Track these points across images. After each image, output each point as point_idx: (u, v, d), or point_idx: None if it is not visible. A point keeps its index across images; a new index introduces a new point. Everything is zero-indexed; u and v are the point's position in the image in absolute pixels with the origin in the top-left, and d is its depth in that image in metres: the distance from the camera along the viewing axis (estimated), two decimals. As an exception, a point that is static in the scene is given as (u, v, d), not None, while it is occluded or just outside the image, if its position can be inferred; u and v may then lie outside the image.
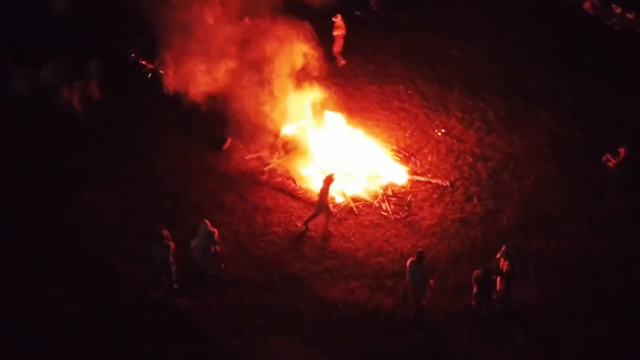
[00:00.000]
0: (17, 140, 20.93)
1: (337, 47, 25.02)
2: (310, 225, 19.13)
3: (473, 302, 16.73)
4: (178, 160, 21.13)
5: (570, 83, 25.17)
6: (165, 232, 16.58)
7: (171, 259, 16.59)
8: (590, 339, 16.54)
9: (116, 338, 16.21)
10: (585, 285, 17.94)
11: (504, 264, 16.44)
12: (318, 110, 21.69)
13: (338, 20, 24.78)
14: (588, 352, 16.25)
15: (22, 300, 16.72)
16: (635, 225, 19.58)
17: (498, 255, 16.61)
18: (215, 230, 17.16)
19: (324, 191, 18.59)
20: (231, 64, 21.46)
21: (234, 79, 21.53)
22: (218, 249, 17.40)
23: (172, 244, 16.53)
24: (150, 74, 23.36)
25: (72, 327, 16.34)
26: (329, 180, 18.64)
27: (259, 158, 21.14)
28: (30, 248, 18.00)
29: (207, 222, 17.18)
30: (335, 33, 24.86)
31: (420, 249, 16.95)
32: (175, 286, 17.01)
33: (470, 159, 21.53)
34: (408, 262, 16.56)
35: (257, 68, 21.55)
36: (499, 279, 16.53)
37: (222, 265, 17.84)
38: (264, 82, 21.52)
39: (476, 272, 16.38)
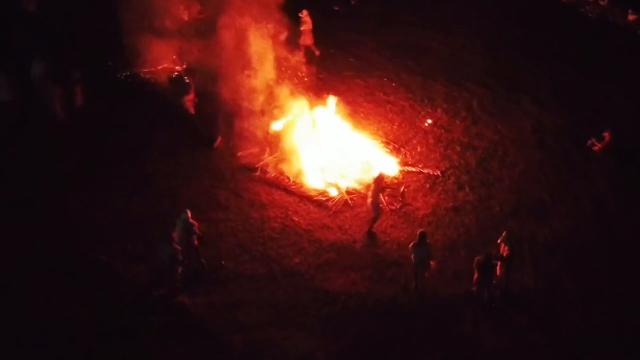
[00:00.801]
0: (4, 145, 20.60)
1: (307, 40, 25.13)
2: (307, 219, 19.22)
3: (474, 288, 16.96)
4: (168, 160, 21.01)
5: (548, 71, 25.72)
6: (174, 235, 16.59)
7: (177, 260, 16.63)
8: (589, 319, 16.86)
9: (119, 338, 16.09)
10: (579, 266, 18.27)
11: (504, 249, 16.70)
12: (306, 105, 21.72)
13: (304, 15, 24.88)
14: (588, 331, 16.55)
15: (23, 303, 16.51)
16: (623, 206, 20.02)
17: (499, 241, 16.86)
18: (195, 223, 17.28)
19: (376, 191, 18.58)
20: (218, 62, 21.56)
21: (220, 76, 21.58)
22: (196, 242, 17.45)
23: (178, 247, 16.55)
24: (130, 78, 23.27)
25: (74, 329, 16.16)
26: (379, 180, 18.72)
27: (251, 155, 21.13)
28: (27, 251, 17.75)
29: (188, 212, 17.26)
30: (302, 28, 24.97)
31: (421, 230, 17.20)
32: (178, 285, 16.98)
33: (458, 148, 21.82)
34: (411, 245, 16.91)
35: (243, 65, 21.63)
36: (499, 264, 16.76)
37: (223, 262, 17.85)
38: (250, 80, 21.58)
39: (477, 258, 16.62)
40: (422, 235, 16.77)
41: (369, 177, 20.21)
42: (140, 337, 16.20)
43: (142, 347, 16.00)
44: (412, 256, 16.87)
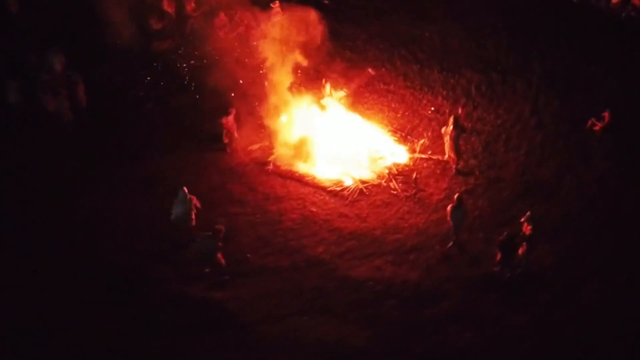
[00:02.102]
0: (11, 147, 20.39)
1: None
2: (325, 209, 19.50)
3: (496, 268, 17.38)
4: (177, 157, 21.14)
5: (538, 55, 26.10)
6: (219, 228, 16.94)
7: (219, 254, 16.92)
8: (608, 291, 17.32)
9: (152, 337, 16.14)
10: (591, 242, 18.73)
11: (527, 229, 17.13)
12: (313, 96, 21.98)
13: (276, 6, 24.96)
14: (608, 304, 17.00)
15: (53, 311, 16.40)
16: (625, 182, 20.55)
17: (522, 220, 17.28)
18: (194, 197, 17.78)
19: (454, 134, 20.36)
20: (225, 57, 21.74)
21: (226, 72, 21.72)
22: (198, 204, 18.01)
23: (220, 243, 16.87)
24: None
25: (106, 330, 16.14)
26: (456, 122, 20.19)
27: (261, 149, 21.29)
28: (44, 255, 17.64)
29: (185, 189, 17.70)
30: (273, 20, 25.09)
31: (458, 194, 18.14)
32: (226, 277, 17.31)
33: (463, 134, 22.15)
34: (449, 208, 17.89)
35: (249, 59, 21.81)
36: (522, 243, 17.20)
37: (248, 255, 17.98)
38: (258, 74, 21.78)
39: (500, 238, 17.02)
40: (460, 199, 17.68)
41: (381, 165, 20.54)
42: (173, 334, 16.22)
43: (175, 344, 16.02)
44: (450, 219, 17.73)
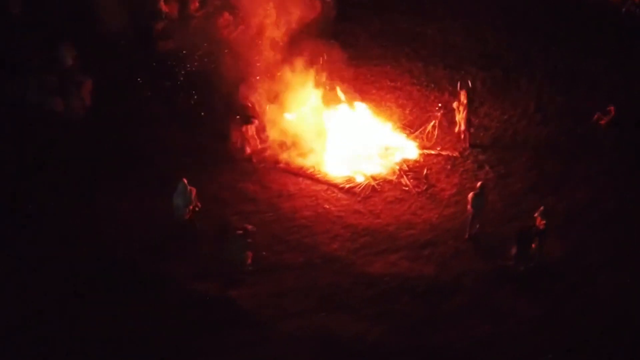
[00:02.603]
0: (24, 146, 20.44)
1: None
2: (337, 206, 19.64)
3: (511, 261, 17.56)
4: (186, 156, 21.15)
5: (539, 51, 26.36)
6: (249, 227, 17.11)
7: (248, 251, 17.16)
8: (620, 282, 17.52)
9: (168, 335, 16.20)
10: (601, 233, 18.92)
11: (540, 223, 17.32)
12: (321, 94, 22.10)
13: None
14: (621, 293, 17.19)
15: (68, 310, 16.46)
16: (632, 175, 20.79)
17: (536, 214, 17.47)
18: (194, 189, 17.90)
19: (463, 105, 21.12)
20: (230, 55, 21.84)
21: (232, 70, 21.82)
22: (198, 204, 18.27)
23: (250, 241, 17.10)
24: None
25: (123, 330, 16.20)
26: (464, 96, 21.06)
27: (271, 146, 21.36)
28: (58, 255, 17.73)
29: (185, 180, 17.92)
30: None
31: (482, 182, 18.66)
32: (250, 268, 17.51)
33: (471, 129, 22.37)
34: (470, 195, 18.22)
35: (255, 57, 21.96)
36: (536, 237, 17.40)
37: (264, 253, 18.07)
38: (264, 72, 21.90)
39: (516, 232, 17.22)
40: (483, 187, 18.11)
41: (392, 162, 20.71)
42: (190, 332, 16.30)
43: (193, 341, 16.11)
44: (470, 205, 18.07)
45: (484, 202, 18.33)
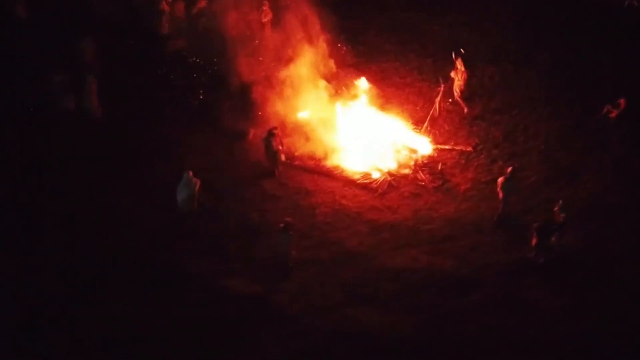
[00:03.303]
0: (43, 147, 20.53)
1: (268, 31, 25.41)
2: (355, 202, 19.81)
3: (532, 253, 17.80)
4: (204, 155, 21.28)
5: (545, 45, 26.57)
6: (290, 220, 17.34)
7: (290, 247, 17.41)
8: (638, 272, 17.82)
9: (196, 332, 16.28)
10: (616, 224, 19.15)
11: (559, 216, 17.58)
12: (333, 91, 22.29)
13: (266, 7, 24.98)
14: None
15: (97, 309, 16.54)
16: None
17: (556, 209, 17.72)
18: (198, 181, 18.33)
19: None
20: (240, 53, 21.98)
21: (244, 69, 21.96)
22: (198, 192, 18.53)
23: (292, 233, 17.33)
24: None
25: (151, 328, 16.30)
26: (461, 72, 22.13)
27: (286, 144, 21.49)
28: (83, 256, 17.82)
29: (190, 172, 18.34)
30: (264, 20, 25.18)
31: (512, 167, 19.14)
32: (291, 265, 17.71)
33: (483, 124, 22.72)
34: (501, 179, 18.75)
35: (272, 57, 22.09)
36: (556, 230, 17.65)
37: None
38: (279, 71, 22.07)
39: (536, 224, 17.46)
40: (513, 171, 18.68)
41: (406, 157, 20.92)
42: (218, 329, 16.43)
43: (221, 338, 16.23)
44: (500, 189, 18.49)
45: (514, 186, 18.67)
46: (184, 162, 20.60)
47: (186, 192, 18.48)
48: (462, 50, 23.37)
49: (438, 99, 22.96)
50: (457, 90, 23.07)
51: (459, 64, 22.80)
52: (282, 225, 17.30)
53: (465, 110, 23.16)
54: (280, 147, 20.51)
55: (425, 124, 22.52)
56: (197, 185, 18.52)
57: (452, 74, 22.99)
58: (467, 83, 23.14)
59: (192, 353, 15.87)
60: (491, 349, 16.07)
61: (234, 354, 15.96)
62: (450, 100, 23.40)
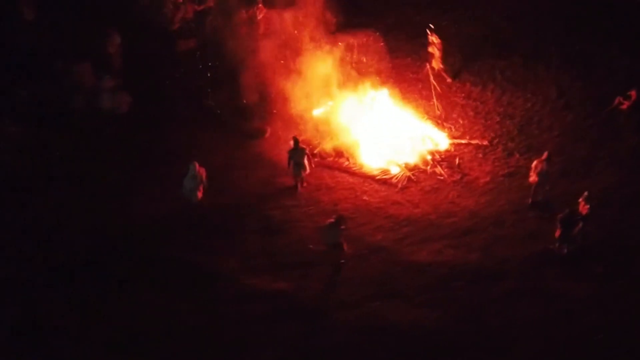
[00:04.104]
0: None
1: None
2: (376, 197, 19.93)
3: (552, 245, 17.96)
4: (221, 154, 21.41)
5: (554, 38, 26.73)
6: (341, 213, 17.65)
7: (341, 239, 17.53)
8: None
9: (225, 330, 16.38)
10: (634, 214, 19.34)
11: (584, 208, 17.74)
12: (349, 87, 22.40)
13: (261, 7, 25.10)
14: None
15: (125, 308, 16.58)
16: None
17: (581, 200, 17.88)
18: (204, 170, 18.64)
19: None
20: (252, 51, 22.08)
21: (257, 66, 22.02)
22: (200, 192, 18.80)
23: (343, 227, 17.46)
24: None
25: (181, 327, 16.35)
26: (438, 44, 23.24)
27: (303, 141, 21.53)
28: (109, 255, 17.86)
29: (196, 163, 18.60)
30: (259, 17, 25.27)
31: (548, 151, 19.38)
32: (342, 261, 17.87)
33: (497, 118, 22.87)
34: (535, 162, 19.12)
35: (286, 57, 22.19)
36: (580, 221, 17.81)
37: (311, 246, 18.31)
38: (293, 69, 22.15)
39: (560, 215, 17.61)
40: (549, 156, 18.94)
41: (424, 152, 21.07)
42: (247, 326, 16.48)
43: (250, 335, 16.28)
44: (535, 173, 18.89)
45: (549, 171, 19.02)
46: (199, 161, 20.66)
47: (193, 183, 18.72)
48: (431, 25, 24.34)
49: (431, 78, 23.74)
50: (439, 63, 24.03)
51: (434, 38, 23.85)
52: (333, 218, 17.43)
53: (448, 80, 24.21)
54: (307, 160, 19.88)
55: (436, 104, 23.21)
56: (204, 176, 18.76)
57: (430, 49, 23.99)
58: (443, 54, 24.09)
59: (221, 350, 15.93)
60: (517, 340, 16.21)
61: (263, 350, 15.98)
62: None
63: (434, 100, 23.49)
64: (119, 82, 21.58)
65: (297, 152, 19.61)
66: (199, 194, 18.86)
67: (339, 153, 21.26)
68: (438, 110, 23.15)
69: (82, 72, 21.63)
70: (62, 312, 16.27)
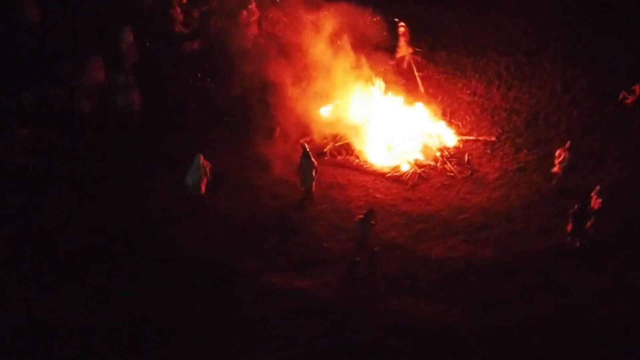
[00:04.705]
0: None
1: (255, 29, 25.16)
2: (388, 195, 20.06)
3: (566, 240, 18.15)
4: (233, 154, 21.35)
5: (556, 34, 26.88)
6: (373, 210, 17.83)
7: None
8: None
9: (246, 328, 16.45)
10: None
11: (596, 202, 17.93)
12: (356, 85, 22.49)
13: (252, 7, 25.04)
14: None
15: (147, 310, 16.61)
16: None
17: (593, 194, 18.07)
18: (208, 164, 18.97)
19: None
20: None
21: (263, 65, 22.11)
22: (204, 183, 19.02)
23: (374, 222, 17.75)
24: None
25: (201, 327, 16.40)
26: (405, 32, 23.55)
27: (312, 140, 21.66)
28: (126, 255, 17.90)
29: (201, 155, 18.88)
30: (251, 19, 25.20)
31: (571, 141, 20.18)
32: (376, 249, 18.13)
33: (504, 114, 23.05)
34: (559, 151, 19.89)
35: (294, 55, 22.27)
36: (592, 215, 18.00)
37: (325, 244, 18.42)
38: (301, 68, 22.24)
39: (573, 210, 17.80)
40: (572, 145, 19.63)
41: (433, 149, 21.22)
42: (267, 324, 16.56)
43: (271, 332, 16.36)
44: (558, 162, 19.68)
45: (571, 159, 19.69)
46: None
47: (197, 175, 18.92)
48: (396, 19, 24.91)
49: (415, 71, 24.37)
50: (407, 49, 24.59)
51: (402, 27, 24.30)
52: (363, 213, 17.64)
53: (417, 74, 24.37)
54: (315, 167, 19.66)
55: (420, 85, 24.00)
56: (208, 169, 19.00)
57: (400, 42, 24.46)
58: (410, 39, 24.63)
59: (242, 348, 16.02)
60: (535, 333, 16.41)
61: (284, 348, 16.07)
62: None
63: (419, 83, 24.11)
64: (131, 80, 21.43)
65: (306, 160, 19.44)
66: (202, 187, 19.02)
67: (348, 151, 21.27)
68: (421, 89, 23.73)
69: (93, 70, 21.47)
70: (77, 313, 16.32)
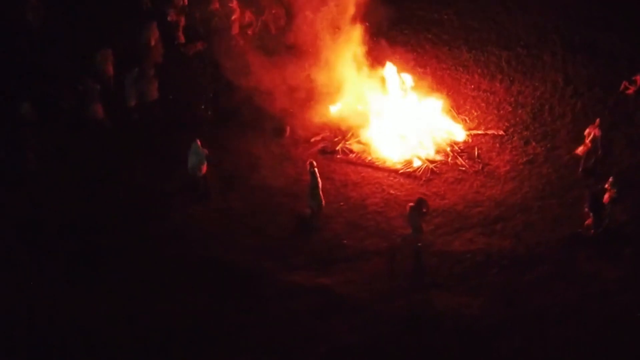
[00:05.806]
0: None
1: (236, 28, 25.51)
2: (403, 190, 20.23)
3: (582, 228, 18.41)
4: (245, 154, 21.47)
5: (554, 27, 27.08)
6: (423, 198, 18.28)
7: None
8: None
9: (271, 327, 16.49)
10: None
11: (610, 192, 18.22)
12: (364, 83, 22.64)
13: (234, 4, 25.23)
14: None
15: (170, 311, 16.62)
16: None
17: (607, 185, 18.37)
18: (206, 150, 19.39)
19: None
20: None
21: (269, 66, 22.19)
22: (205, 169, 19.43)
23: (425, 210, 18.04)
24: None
25: (226, 327, 16.44)
26: None
27: (323, 139, 21.77)
28: (148, 256, 17.97)
29: (198, 141, 19.28)
30: (232, 17, 25.38)
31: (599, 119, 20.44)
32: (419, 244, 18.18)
33: (509, 108, 23.28)
34: (588, 130, 20.19)
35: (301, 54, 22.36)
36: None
37: (344, 241, 18.51)
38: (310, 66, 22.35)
39: (587, 200, 18.09)
40: (601, 123, 20.06)
41: (442, 144, 21.40)
42: (292, 322, 16.63)
43: (296, 330, 16.43)
44: (589, 139, 20.07)
45: (601, 136, 20.09)
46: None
47: (196, 158, 19.30)
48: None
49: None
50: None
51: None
52: (413, 202, 17.80)
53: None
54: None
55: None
56: (206, 153, 19.42)
57: None
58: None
59: (269, 347, 16.04)
60: (558, 323, 16.58)
61: (310, 345, 16.13)
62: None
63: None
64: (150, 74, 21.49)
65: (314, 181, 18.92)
66: (203, 169, 19.43)
67: (360, 149, 21.39)
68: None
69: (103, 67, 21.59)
70: (100, 315, 16.36)
